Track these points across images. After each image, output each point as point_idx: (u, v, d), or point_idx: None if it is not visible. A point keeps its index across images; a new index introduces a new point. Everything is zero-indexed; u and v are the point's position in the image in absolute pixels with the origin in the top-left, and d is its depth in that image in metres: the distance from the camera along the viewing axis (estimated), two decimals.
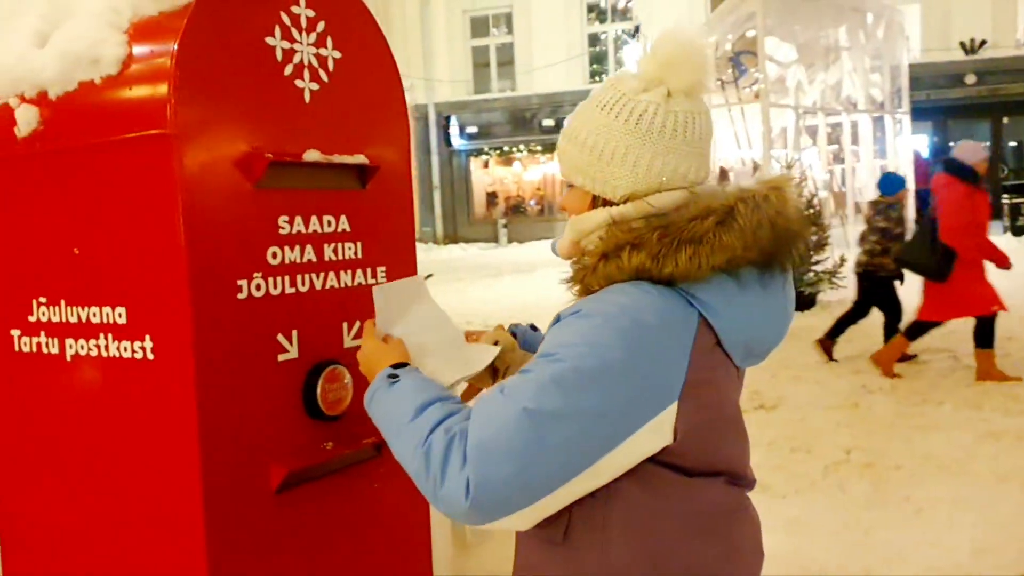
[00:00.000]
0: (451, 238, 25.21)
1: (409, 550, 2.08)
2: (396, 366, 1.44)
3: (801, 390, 7.15)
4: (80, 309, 1.71)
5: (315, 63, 1.80)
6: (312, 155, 1.75)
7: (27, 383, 1.83)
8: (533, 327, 1.77)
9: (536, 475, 1.23)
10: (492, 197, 26.91)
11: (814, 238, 9.78)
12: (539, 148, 26.00)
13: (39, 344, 1.79)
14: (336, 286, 1.86)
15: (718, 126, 12.61)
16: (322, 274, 1.83)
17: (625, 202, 1.37)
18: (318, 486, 1.81)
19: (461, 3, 21.82)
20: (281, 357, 1.74)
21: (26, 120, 1.71)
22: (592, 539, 1.32)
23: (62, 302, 1.74)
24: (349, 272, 1.88)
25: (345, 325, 1.87)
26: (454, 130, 22.15)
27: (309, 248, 1.80)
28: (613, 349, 1.24)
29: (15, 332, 1.82)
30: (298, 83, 1.77)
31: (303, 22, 1.77)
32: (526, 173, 27.03)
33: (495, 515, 1.24)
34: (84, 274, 1.70)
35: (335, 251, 1.85)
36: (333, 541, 1.86)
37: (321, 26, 1.81)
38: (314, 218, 1.80)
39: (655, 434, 1.26)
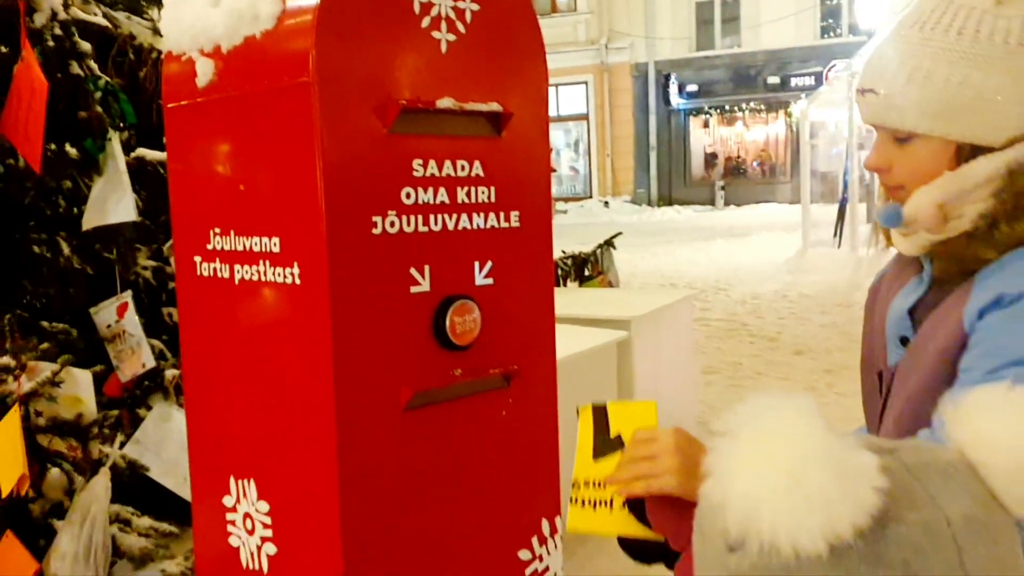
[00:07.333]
0: (665, 200, 24.90)
1: (537, 478, 2.20)
2: None
3: None
4: (245, 239, 1.95)
5: (452, 15, 1.92)
6: (445, 102, 1.88)
7: (206, 303, 2.12)
8: None
9: None
10: (711, 158, 26.26)
11: None
12: (763, 107, 25.06)
13: (215, 269, 2.05)
14: (469, 227, 1.99)
15: None
16: (455, 215, 1.96)
17: (1011, 145, 1.14)
18: (446, 408, 1.97)
19: None
20: (414, 289, 1.89)
21: (204, 72, 1.96)
22: None
23: (232, 232, 1.99)
24: (482, 215, 2.01)
25: (477, 264, 2.01)
26: (673, 88, 21.73)
27: (442, 190, 1.93)
28: None
29: (197, 258, 2.10)
30: (435, 34, 1.89)
31: None
32: (749, 133, 26.18)
33: None
34: (248, 208, 1.94)
35: (468, 194, 1.98)
36: (461, 461, 2.02)
37: None
38: (448, 162, 1.93)
39: None
